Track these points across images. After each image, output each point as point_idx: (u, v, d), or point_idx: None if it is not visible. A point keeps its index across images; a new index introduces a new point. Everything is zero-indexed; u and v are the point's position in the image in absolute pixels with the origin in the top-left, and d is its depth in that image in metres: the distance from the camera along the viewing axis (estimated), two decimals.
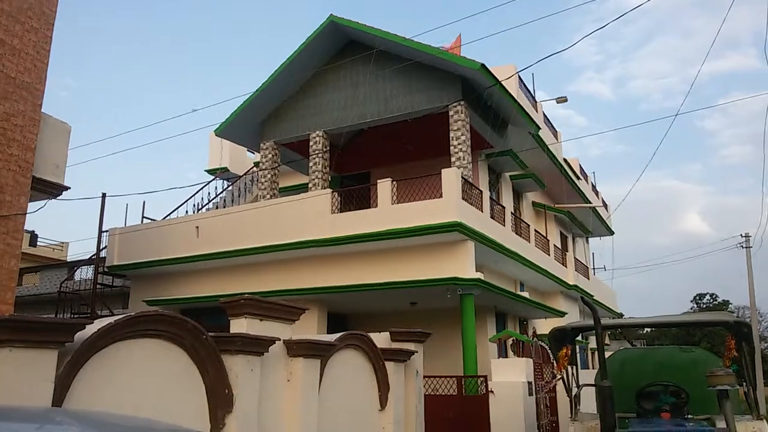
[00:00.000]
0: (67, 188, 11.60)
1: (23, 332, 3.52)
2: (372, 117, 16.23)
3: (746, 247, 31.44)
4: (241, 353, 5.39)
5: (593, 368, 22.10)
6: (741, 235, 31.95)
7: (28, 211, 10.64)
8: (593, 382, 8.28)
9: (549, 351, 12.37)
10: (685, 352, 9.31)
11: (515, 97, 16.91)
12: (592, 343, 26.25)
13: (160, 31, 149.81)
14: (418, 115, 15.70)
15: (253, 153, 21.69)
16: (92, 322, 4.17)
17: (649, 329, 43.47)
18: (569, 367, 9.13)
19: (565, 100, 23.94)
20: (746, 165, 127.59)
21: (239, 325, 5.76)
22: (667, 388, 7.96)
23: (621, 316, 28.91)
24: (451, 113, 15.19)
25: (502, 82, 15.02)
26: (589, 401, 8.90)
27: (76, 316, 17.77)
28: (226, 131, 18.03)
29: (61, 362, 3.77)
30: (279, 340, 6.01)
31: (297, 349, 6.25)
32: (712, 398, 7.19)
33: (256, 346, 5.60)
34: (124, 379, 4.33)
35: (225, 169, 23.00)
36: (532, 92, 22.58)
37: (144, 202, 21.03)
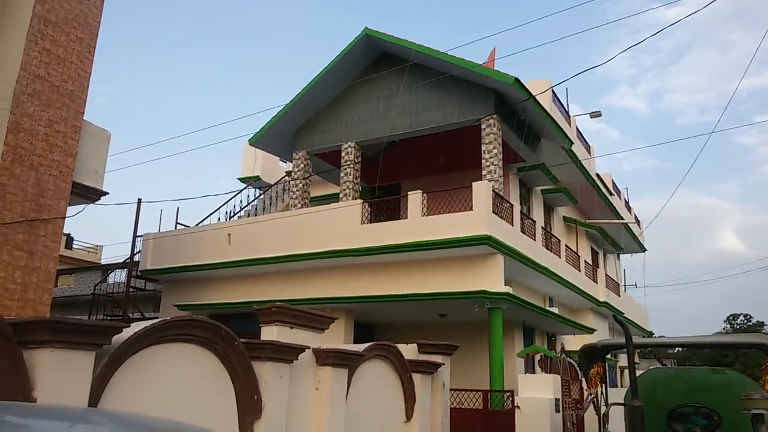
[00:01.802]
0: (105, 193, 11.87)
1: (64, 333, 3.62)
2: (404, 129, 16.30)
3: None
4: (271, 360, 5.46)
5: (622, 387, 21.73)
6: None
7: (67, 215, 10.91)
8: (623, 401, 8.17)
9: (577, 368, 12.23)
10: (717, 374, 9.11)
11: (548, 112, 16.84)
12: (621, 361, 25.84)
13: (195, 40, 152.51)
14: (451, 128, 15.72)
15: (286, 162, 21.94)
16: (129, 325, 4.27)
17: (680, 349, 42.63)
18: (601, 385, 9.02)
19: (599, 115, 23.72)
20: None
21: (270, 333, 5.84)
22: (698, 409, 7.80)
23: (651, 334, 28.43)
24: (483, 126, 15.18)
25: (536, 97, 14.99)
26: (617, 420, 8.78)
27: (108, 318, 18.12)
28: (260, 140, 18.29)
29: (98, 364, 3.87)
30: (308, 348, 6.07)
31: (326, 358, 6.30)
32: (745, 422, 7.03)
33: (286, 353, 5.66)
34: (157, 381, 4.43)
35: (257, 178, 23.29)
36: (565, 106, 22.46)
37: (178, 209, 21.39)
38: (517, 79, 14.37)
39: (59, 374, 3.61)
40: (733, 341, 12.37)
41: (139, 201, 17.01)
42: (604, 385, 9.22)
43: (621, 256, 31.21)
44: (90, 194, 11.62)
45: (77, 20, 11.46)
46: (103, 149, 11.99)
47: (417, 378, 8.09)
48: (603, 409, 8.79)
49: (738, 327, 54.15)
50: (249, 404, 5.21)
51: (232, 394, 5.13)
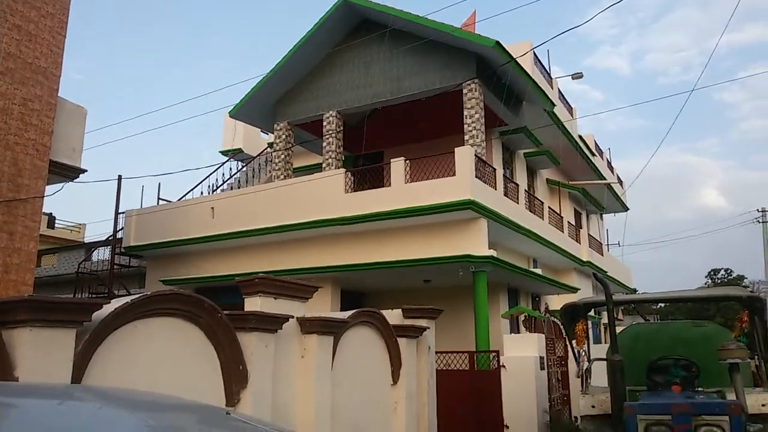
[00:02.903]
0: (83, 171, 11.77)
1: (42, 312, 3.62)
2: (386, 96, 16.20)
3: (763, 222, 31.23)
4: (256, 330, 5.50)
5: (605, 343, 22.13)
6: (758, 209, 31.74)
7: (45, 194, 10.82)
8: (605, 357, 8.35)
9: (561, 326, 12.43)
10: (697, 327, 9.33)
11: (530, 74, 16.77)
12: (605, 318, 26.27)
13: (173, 12, 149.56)
14: (432, 94, 15.64)
15: (267, 134, 21.78)
16: (109, 302, 4.28)
17: (662, 305, 43.40)
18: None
19: (581, 76, 23.68)
20: (766, 139, 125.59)
21: (254, 304, 5.88)
22: (677, 361, 8.00)
23: (634, 291, 28.87)
24: (464, 91, 15.12)
25: (517, 59, 14.91)
26: (600, 375, 8.98)
27: (93, 296, 18.10)
28: (240, 112, 18.12)
29: (79, 341, 3.88)
30: (293, 317, 6.13)
31: (310, 326, 6.36)
32: (723, 372, 7.24)
33: (270, 323, 5.71)
34: (140, 356, 4.46)
35: (239, 150, 23.10)
36: (547, 68, 22.36)
37: (159, 184, 21.26)
38: (497, 42, 14.28)
39: (40, 353, 3.62)
40: (711, 294, 12.65)
41: (120, 177, 16.88)
42: (586, 341, 9.41)
43: (604, 216, 31.51)
44: (68, 172, 11.52)
45: None
46: (79, 126, 11.85)
47: (402, 342, 8.20)
48: (585, 365, 8.99)
49: (719, 281, 54.97)
50: (235, 374, 5.27)
51: (218, 365, 5.18)
